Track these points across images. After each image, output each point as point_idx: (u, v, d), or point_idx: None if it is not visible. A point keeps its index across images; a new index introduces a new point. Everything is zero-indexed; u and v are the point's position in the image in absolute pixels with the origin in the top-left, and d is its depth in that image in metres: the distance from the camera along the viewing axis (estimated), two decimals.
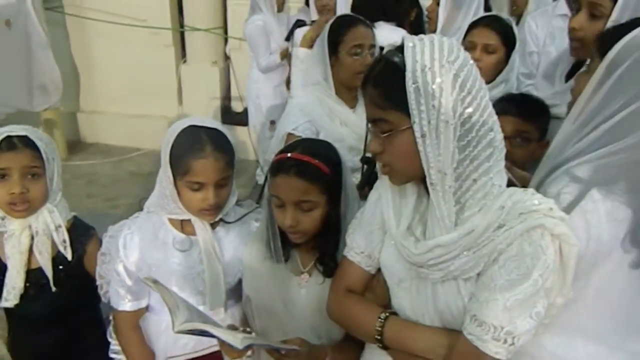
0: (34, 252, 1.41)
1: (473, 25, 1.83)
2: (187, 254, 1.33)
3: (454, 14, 2.15)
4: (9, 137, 1.35)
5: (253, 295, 1.32)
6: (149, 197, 1.37)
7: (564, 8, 2.12)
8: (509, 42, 1.78)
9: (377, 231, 1.10)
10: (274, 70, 3.45)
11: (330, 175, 1.20)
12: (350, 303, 1.12)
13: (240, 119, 4.39)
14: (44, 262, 1.41)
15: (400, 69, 0.88)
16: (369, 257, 1.11)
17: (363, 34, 1.75)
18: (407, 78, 0.88)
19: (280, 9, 3.51)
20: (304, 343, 1.15)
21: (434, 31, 2.29)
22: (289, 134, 1.76)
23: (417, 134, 0.89)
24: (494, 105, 0.94)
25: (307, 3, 3.31)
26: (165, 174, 1.27)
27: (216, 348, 1.25)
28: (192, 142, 1.24)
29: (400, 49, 0.91)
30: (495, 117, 0.93)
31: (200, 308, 1.27)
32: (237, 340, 1.00)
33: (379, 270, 1.13)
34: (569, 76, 1.61)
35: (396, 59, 0.90)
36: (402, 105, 0.89)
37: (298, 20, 3.12)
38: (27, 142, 1.36)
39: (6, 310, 1.47)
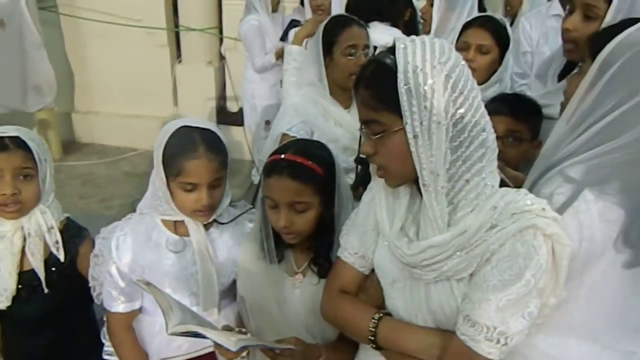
0: (26, 253, 1.40)
1: (467, 26, 1.82)
2: (181, 255, 1.33)
3: (448, 15, 2.15)
4: (0, 138, 1.34)
5: (247, 296, 1.32)
6: (142, 199, 1.37)
7: (558, 8, 2.13)
8: (502, 42, 1.78)
9: (371, 232, 1.10)
10: (269, 70, 3.45)
11: (323, 176, 1.20)
12: (343, 304, 1.12)
13: (235, 119, 4.40)
14: (36, 263, 1.40)
15: (392, 71, 0.88)
16: (362, 257, 1.12)
17: (357, 35, 1.75)
18: (398, 79, 0.87)
19: (275, 9, 3.52)
20: (299, 342, 1.14)
21: (428, 32, 2.30)
22: (284, 134, 1.76)
23: (410, 135, 0.89)
24: (486, 105, 0.94)
25: (302, 3, 3.31)
26: (158, 175, 1.27)
27: (211, 349, 1.25)
28: (184, 142, 1.24)
29: (391, 50, 0.91)
30: (488, 118, 0.93)
31: (194, 309, 1.26)
32: (230, 342, 0.99)
33: (372, 270, 1.13)
34: (561, 76, 1.61)
35: (388, 61, 0.90)
36: (394, 107, 0.89)
37: (293, 20, 3.13)
38: (19, 143, 1.35)
39: None
